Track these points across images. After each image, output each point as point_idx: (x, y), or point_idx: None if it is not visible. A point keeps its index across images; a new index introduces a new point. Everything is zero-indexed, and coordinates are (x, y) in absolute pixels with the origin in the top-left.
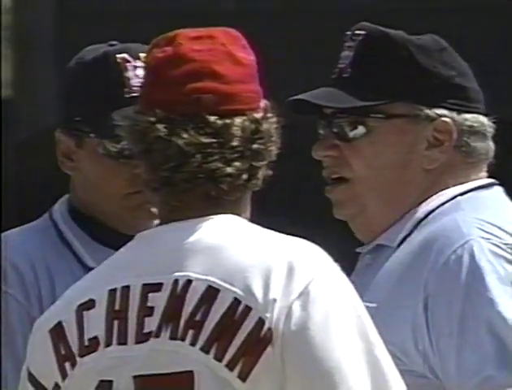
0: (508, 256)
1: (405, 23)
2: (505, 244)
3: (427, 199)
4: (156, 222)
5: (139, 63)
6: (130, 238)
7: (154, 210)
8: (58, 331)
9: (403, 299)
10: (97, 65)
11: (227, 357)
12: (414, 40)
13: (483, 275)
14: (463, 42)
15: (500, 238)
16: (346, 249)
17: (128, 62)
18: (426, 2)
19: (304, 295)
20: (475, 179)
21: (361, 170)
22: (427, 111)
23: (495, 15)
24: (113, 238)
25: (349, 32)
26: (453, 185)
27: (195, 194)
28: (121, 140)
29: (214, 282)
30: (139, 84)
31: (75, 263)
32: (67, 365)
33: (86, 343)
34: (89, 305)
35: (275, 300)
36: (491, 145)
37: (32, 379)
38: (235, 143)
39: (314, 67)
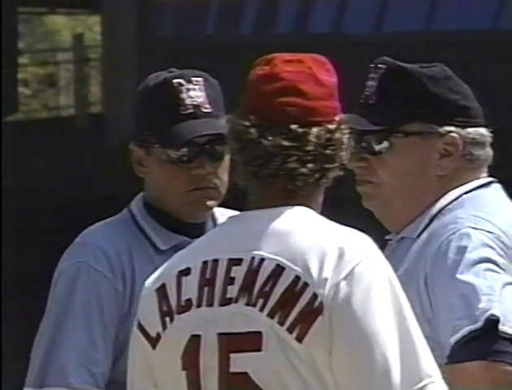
0: (493, 244)
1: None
2: (492, 234)
3: (439, 198)
4: (215, 210)
5: (191, 86)
6: (191, 225)
7: (208, 203)
8: (162, 291)
9: (413, 277)
10: (159, 89)
11: (288, 322)
12: (426, 72)
13: (464, 254)
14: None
15: (488, 229)
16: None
17: (182, 85)
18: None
19: (350, 275)
20: (478, 179)
21: (386, 178)
22: (438, 129)
23: None
24: (178, 226)
25: (372, 65)
26: (460, 185)
27: (276, 187)
28: (180, 148)
29: (281, 261)
30: (192, 103)
31: (149, 247)
32: (167, 319)
33: (182, 303)
34: (186, 272)
35: (326, 279)
36: (489, 151)
37: (140, 327)
38: (310, 148)
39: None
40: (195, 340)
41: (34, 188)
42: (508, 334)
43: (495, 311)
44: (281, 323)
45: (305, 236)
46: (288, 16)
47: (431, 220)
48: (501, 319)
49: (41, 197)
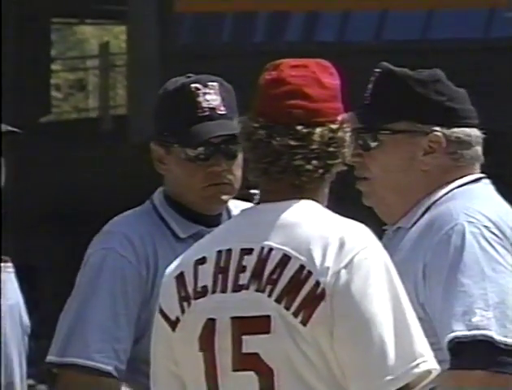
0: (485, 234)
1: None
2: (484, 226)
3: (432, 193)
4: (229, 202)
5: (207, 90)
6: (208, 217)
7: (223, 197)
8: (180, 279)
9: (410, 266)
10: (178, 93)
11: (293, 307)
12: (414, 75)
13: (463, 252)
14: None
15: (480, 221)
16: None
17: (199, 89)
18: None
19: (349, 264)
20: (468, 176)
21: (377, 172)
22: (423, 128)
23: None
24: (196, 217)
25: (374, 69)
26: (450, 182)
27: (284, 183)
28: (197, 147)
29: (287, 251)
30: (208, 106)
31: (170, 235)
32: (185, 304)
33: (199, 289)
34: (202, 261)
35: (328, 267)
36: (478, 150)
37: (161, 311)
38: (314, 146)
39: None
40: (210, 323)
41: (66, 180)
42: (506, 344)
43: (487, 332)
44: (287, 308)
45: (310, 227)
46: (296, 25)
47: (425, 212)
48: (496, 332)
49: (70, 188)
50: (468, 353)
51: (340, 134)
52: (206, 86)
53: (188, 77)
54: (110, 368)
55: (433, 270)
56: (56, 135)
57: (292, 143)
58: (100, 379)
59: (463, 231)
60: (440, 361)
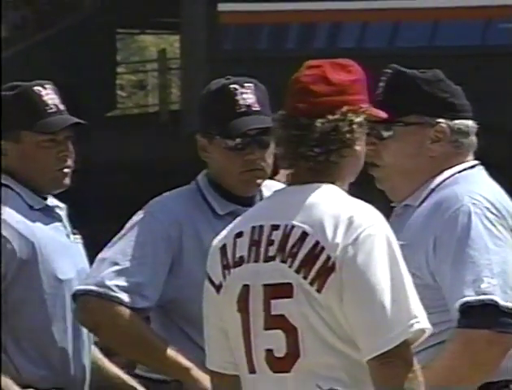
0: (487, 214)
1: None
2: (485, 207)
3: (435, 176)
4: (264, 189)
5: (244, 90)
6: (243, 198)
7: (257, 181)
8: (223, 250)
9: (422, 239)
10: (219, 92)
11: (309, 277)
12: (421, 75)
13: (470, 229)
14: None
15: (482, 203)
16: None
17: (237, 89)
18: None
19: (356, 240)
20: (466, 162)
21: (389, 159)
22: (430, 120)
23: None
24: (233, 197)
25: (384, 70)
26: (450, 167)
27: (300, 168)
28: (236, 138)
29: (306, 229)
30: (244, 103)
31: (210, 212)
32: (226, 271)
33: (237, 259)
34: (240, 234)
35: (338, 243)
36: (473, 139)
37: (208, 277)
38: (316, 135)
39: None
40: (245, 288)
41: (130, 167)
42: (508, 307)
43: (493, 297)
44: (305, 278)
45: (325, 208)
46: (322, 34)
47: (430, 193)
48: (500, 297)
49: (131, 173)
50: (476, 314)
51: (341, 123)
52: (242, 86)
53: (228, 79)
54: (120, 295)
55: (442, 244)
56: (121, 127)
57: (295, 132)
58: (111, 304)
59: (469, 211)
60: (445, 321)
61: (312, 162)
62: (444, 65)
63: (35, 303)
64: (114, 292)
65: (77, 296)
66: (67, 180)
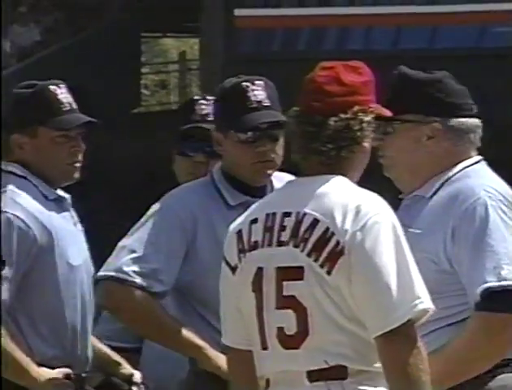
0: (501, 206)
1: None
2: (499, 199)
3: (443, 170)
4: (274, 180)
5: (255, 87)
6: (254, 188)
7: (268, 171)
8: (239, 235)
9: (439, 227)
10: (232, 89)
11: (320, 260)
12: (421, 77)
13: (488, 220)
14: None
15: (496, 196)
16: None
17: (249, 87)
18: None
19: (364, 227)
20: (470, 158)
21: (391, 153)
22: (426, 118)
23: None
24: (245, 188)
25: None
26: (458, 162)
27: (314, 161)
28: (247, 132)
29: (317, 216)
30: (255, 100)
31: (222, 203)
32: (241, 255)
33: (252, 244)
34: (255, 221)
35: (347, 230)
36: (471, 136)
37: (225, 259)
38: (329, 132)
39: None
40: (260, 271)
41: (152, 159)
42: None
43: None
44: (315, 261)
45: (334, 197)
46: (331, 37)
47: (442, 185)
48: None
49: (154, 165)
50: (498, 299)
51: (352, 122)
52: (253, 84)
53: (240, 77)
54: (137, 280)
55: (461, 233)
56: (144, 123)
57: (310, 129)
58: (130, 288)
59: (486, 204)
60: (461, 304)
61: (324, 156)
62: (444, 66)
63: (50, 287)
64: (131, 277)
65: (98, 281)
66: (77, 174)
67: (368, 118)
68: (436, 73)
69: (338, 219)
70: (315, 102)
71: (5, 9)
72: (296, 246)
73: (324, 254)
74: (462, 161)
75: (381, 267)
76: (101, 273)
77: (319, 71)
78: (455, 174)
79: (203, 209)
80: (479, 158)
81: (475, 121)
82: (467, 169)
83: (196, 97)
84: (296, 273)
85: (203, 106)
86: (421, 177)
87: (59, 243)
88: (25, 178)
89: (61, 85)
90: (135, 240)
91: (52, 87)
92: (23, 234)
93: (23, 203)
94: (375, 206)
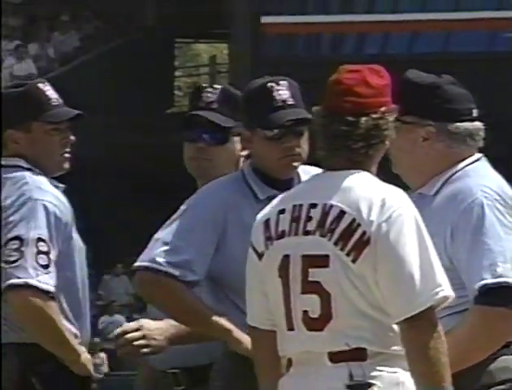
0: (497, 206)
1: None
2: (495, 199)
3: (443, 170)
4: (301, 173)
5: (280, 87)
6: (282, 181)
7: (294, 164)
8: (266, 224)
9: (440, 227)
10: (258, 90)
11: (347, 249)
12: (420, 82)
13: (484, 220)
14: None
15: (492, 196)
16: None
17: (274, 87)
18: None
19: (388, 219)
20: (469, 157)
21: (394, 151)
22: (421, 121)
23: None
24: (273, 182)
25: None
26: (458, 162)
27: (340, 157)
28: (273, 129)
29: (343, 208)
30: (280, 99)
31: (252, 197)
32: (269, 242)
33: (279, 232)
34: (282, 211)
35: (372, 221)
36: (467, 140)
37: (252, 245)
38: (360, 131)
39: None
40: (286, 258)
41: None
42: None
43: (507, 279)
44: (342, 249)
45: (360, 190)
46: (350, 43)
47: (444, 184)
48: None
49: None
50: (493, 294)
51: (381, 121)
52: (278, 84)
53: (265, 78)
54: (171, 270)
55: (459, 232)
56: (177, 122)
57: (344, 128)
58: (163, 278)
59: (482, 204)
60: (462, 296)
61: (354, 153)
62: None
63: (71, 268)
64: (164, 267)
65: (134, 271)
66: (68, 164)
67: (392, 118)
68: (440, 78)
69: (364, 212)
70: (346, 103)
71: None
72: (322, 236)
73: (350, 244)
74: (462, 161)
75: (405, 257)
76: (136, 264)
77: (346, 73)
78: (455, 172)
79: (234, 202)
80: (479, 155)
81: (475, 124)
82: (467, 168)
83: (203, 85)
84: (322, 261)
85: (209, 94)
86: (422, 176)
87: (73, 227)
88: (31, 170)
89: (46, 83)
90: (168, 233)
91: (40, 85)
92: (58, 219)
93: (50, 189)
94: (398, 200)
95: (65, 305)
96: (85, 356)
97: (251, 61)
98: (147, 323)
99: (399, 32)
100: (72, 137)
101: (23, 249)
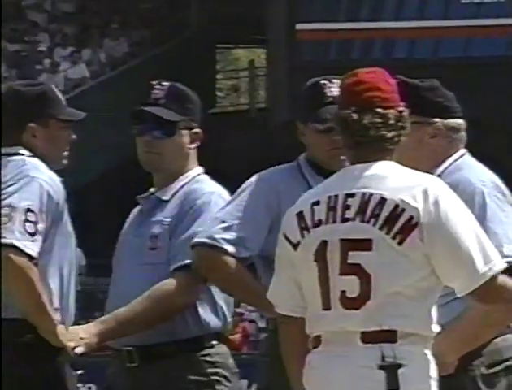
0: (495, 194)
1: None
2: (492, 187)
3: (437, 165)
4: (346, 163)
5: (331, 84)
6: (331, 172)
7: (342, 157)
8: (300, 215)
9: None
10: (312, 86)
11: (392, 232)
12: (420, 84)
13: (485, 207)
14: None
15: (489, 185)
16: None
17: (326, 84)
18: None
19: (434, 203)
20: (457, 153)
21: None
22: (428, 119)
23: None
24: (323, 171)
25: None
26: (448, 156)
27: (372, 149)
28: (324, 123)
29: (383, 194)
30: (331, 95)
31: (305, 184)
32: (305, 232)
33: (315, 222)
34: (317, 203)
35: (417, 206)
36: (463, 134)
37: (285, 236)
38: (391, 122)
39: None
40: (323, 243)
41: (226, 151)
42: None
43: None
44: (387, 233)
45: (396, 178)
46: (377, 47)
47: (439, 175)
48: None
49: (229, 156)
50: (503, 273)
51: (404, 114)
52: (330, 82)
53: (318, 77)
54: (226, 247)
55: None
56: (219, 121)
57: (377, 120)
58: (219, 253)
59: (482, 193)
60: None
61: (388, 142)
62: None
63: (58, 248)
64: (221, 243)
65: (193, 247)
66: (66, 160)
67: (407, 113)
68: (427, 81)
69: (406, 198)
70: (375, 98)
71: None
72: (364, 221)
73: (397, 227)
74: (452, 155)
75: (459, 237)
76: (195, 240)
77: (364, 74)
78: (447, 167)
79: (288, 188)
80: (464, 150)
81: (463, 122)
82: (457, 162)
83: (152, 82)
84: (363, 245)
85: (157, 91)
86: (422, 170)
87: (65, 211)
88: (31, 157)
89: (53, 85)
90: (226, 213)
91: (53, 85)
92: (51, 198)
93: (46, 172)
94: (438, 185)
95: (49, 281)
96: (61, 327)
97: (287, 65)
98: (73, 328)
99: (425, 37)
100: (74, 136)
101: (12, 214)
